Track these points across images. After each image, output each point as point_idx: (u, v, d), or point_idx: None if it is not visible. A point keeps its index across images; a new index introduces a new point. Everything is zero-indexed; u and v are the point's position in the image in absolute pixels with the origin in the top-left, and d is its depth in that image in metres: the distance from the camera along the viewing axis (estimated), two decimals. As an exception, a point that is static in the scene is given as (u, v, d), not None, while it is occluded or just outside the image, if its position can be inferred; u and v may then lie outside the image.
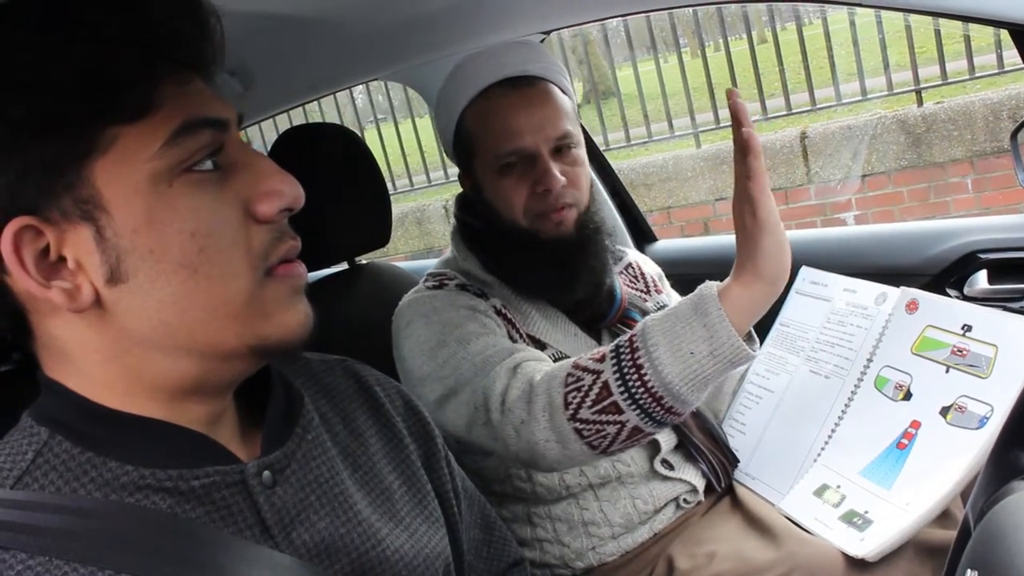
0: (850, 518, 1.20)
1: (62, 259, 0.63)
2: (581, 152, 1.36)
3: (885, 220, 4.84)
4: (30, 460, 0.65)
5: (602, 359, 1.10)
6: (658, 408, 1.06)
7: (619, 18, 1.82)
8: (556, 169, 1.30)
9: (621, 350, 1.09)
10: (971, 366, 1.16)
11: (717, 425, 1.47)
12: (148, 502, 0.65)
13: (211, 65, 0.70)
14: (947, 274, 1.64)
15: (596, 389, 1.08)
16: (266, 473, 0.72)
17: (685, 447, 1.41)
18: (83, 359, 0.67)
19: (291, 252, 0.71)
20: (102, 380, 0.67)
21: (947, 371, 1.19)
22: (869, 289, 1.41)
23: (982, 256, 1.61)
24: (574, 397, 1.09)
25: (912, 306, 1.29)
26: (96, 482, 0.65)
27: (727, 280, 1.08)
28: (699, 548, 1.28)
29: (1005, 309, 1.52)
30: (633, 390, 1.06)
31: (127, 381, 0.68)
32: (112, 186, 0.63)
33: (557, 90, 1.36)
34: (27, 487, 0.64)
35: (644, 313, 1.44)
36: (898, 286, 1.38)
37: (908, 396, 1.23)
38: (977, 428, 1.12)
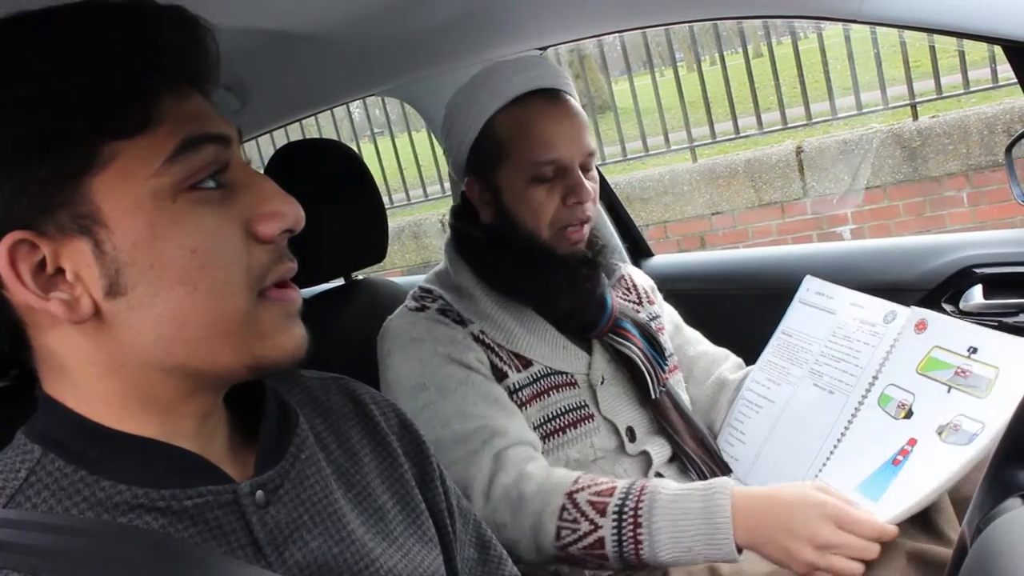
0: None
1: (60, 271, 0.63)
2: (595, 170, 1.41)
3: (881, 234, 4.85)
4: (23, 479, 0.65)
5: (603, 512, 1.16)
6: (641, 567, 1.16)
7: (615, 34, 1.82)
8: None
9: (624, 517, 1.15)
10: (971, 387, 1.16)
11: (709, 435, 1.47)
12: (140, 522, 0.65)
13: (208, 80, 0.70)
14: (943, 289, 1.64)
15: (591, 540, 1.15)
16: (259, 493, 0.71)
17: (679, 459, 1.41)
18: (80, 373, 0.67)
19: (287, 274, 0.72)
20: (99, 394, 0.67)
21: (949, 391, 1.18)
22: (877, 306, 1.38)
23: (977, 271, 1.61)
24: (567, 535, 1.16)
25: (921, 326, 1.28)
26: (89, 501, 0.65)
27: (743, 492, 1.14)
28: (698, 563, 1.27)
29: (1001, 324, 1.52)
30: (626, 555, 1.14)
31: (123, 395, 0.68)
32: (112, 201, 0.63)
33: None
34: (20, 506, 0.63)
35: (636, 323, 1.45)
36: (894, 301, 1.38)
37: (909, 415, 1.22)
38: (966, 444, 1.12)
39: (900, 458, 1.18)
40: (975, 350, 1.18)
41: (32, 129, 0.61)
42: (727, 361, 1.64)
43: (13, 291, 0.64)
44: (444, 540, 0.89)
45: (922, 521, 1.16)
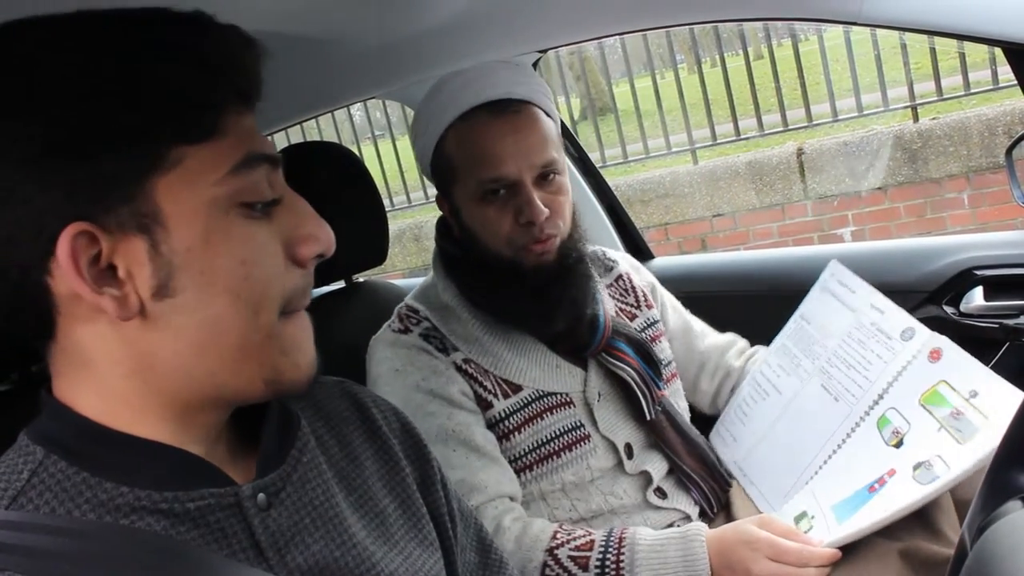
0: (799, 520, 1.21)
1: (112, 267, 0.64)
2: (564, 179, 1.33)
3: (881, 236, 4.86)
4: (25, 480, 0.65)
5: (585, 567, 1.18)
6: None
7: (616, 36, 1.82)
8: (539, 199, 1.26)
9: (607, 571, 1.18)
10: (958, 431, 1.14)
11: (709, 449, 1.46)
12: (143, 524, 0.65)
13: (257, 100, 0.73)
14: (943, 290, 1.64)
15: None
16: (261, 495, 0.72)
17: (676, 474, 1.40)
18: (105, 370, 0.67)
19: (308, 301, 0.74)
20: (119, 394, 0.67)
21: (939, 430, 1.16)
22: (896, 317, 1.34)
23: (978, 272, 1.60)
24: None
25: (935, 355, 1.25)
26: (91, 503, 0.65)
27: (716, 537, 1.19)
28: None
29: (1001, 325, 1.52)
30: None
31: (143, 397, 0.68)
32: (174, 204, 0.64)
33: (542, 114, 1.32)
34: (22, 508, 0.64)
35: (630, 340, 1.42)
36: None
37: (899, 444, 1.21)
38: (927, 483, 1.11)
39: (877, 486, 1.17)
40: (976, 394, 1.15)
41: (105, 122, 0.62)
42: (733, 347, 1.63)
43: (63, 281, 0.64)
44: (445, 544, 0.89)
45: (924, 521, 1.16)
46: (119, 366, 0.67)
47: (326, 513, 0.77)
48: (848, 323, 1.41)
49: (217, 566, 0.65)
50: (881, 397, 1.29)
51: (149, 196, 0.64)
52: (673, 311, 1.65)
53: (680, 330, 1.62)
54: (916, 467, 1.14)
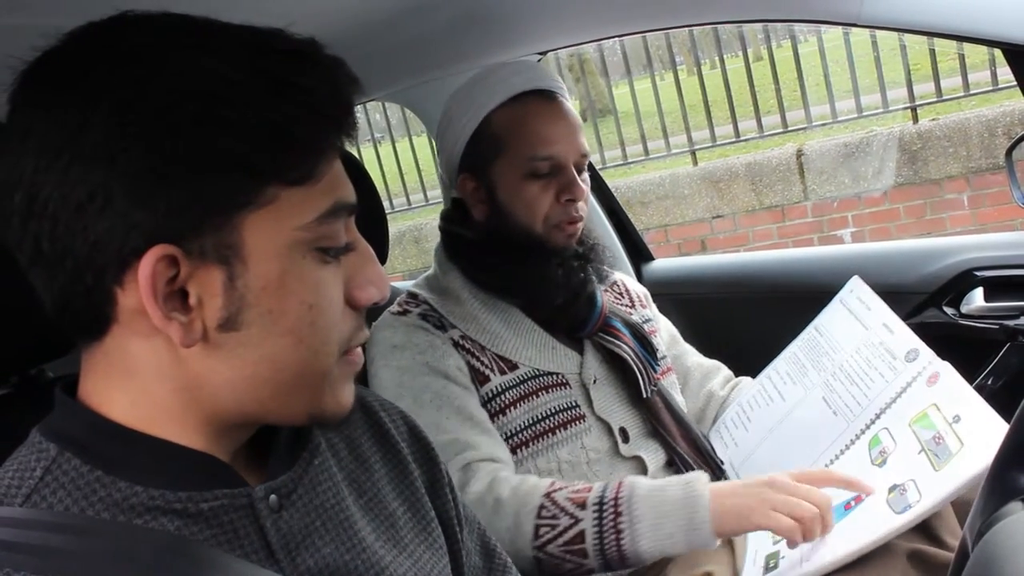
0: (770, 560, 1.19)
1: (183, 292, 0.63)
2: (587, 172, 1.44)
3: (881, 237, 4.86)
4: (38, 477, 0.65)
5: (583, 505, 1.17)
6: (620, 563, 1.16)
7: (615, 38, 1.83)
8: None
9: (605, 508, 1.16)
10: (935, 456, 1.12)
11: (702, 435, 1.47)
12: (156, 523, 0.65)
13: (352, 139, 0.72)
14: (944, 291, 1.64)
15: (571, 534, 1.16)
16: (272, 497, 0.72)
17: (674, 464, 1.41)
18: (150, 382, 0.67)
19: (363, 341, 0.75)
20: (161, 405, 0.67)
21: (919, 452, 1.15)
22: (904, 338, 1.34)
23: (978, 273, 1.61)
24: (546, 532, 1.17)
25: (933, 379, 1.24)
26: (105, 502, 0.65)
27: (722, 485, 1.17)
28: (695, 570, 1.27)
29: (1001, 326, 1.52)
30: (607, 547, 1.15)
31: (184, 410, 0.68)
32: (257, 240, 0.64)
33: None
34: (36, 505, 0.63)
35: (626, 322, 1.46)
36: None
37: (883, 464, 1.20)
38: (898, 513, 1.10)
39: (853, 503, 1.16)
40: (958, 419, 1.14)
41: (219, 149, 0.61)
42: (719, 375, 1.66)
43: (133, 295, 0.63)
44: (453, 547, 0.90)
45: (925, 523, 1.16)
46: (168, 381, 0.67)
47: (337, 516, 0.77)
48: (858, 339, 1.41)
49: (229, 567, 0.65)
50: (878, 416, 1.29)
51: (236, 229, 0.63)
52: (664, 326, 1.68)
53: (668, 343, 1.65)
54: (891, 489, 1.13)
